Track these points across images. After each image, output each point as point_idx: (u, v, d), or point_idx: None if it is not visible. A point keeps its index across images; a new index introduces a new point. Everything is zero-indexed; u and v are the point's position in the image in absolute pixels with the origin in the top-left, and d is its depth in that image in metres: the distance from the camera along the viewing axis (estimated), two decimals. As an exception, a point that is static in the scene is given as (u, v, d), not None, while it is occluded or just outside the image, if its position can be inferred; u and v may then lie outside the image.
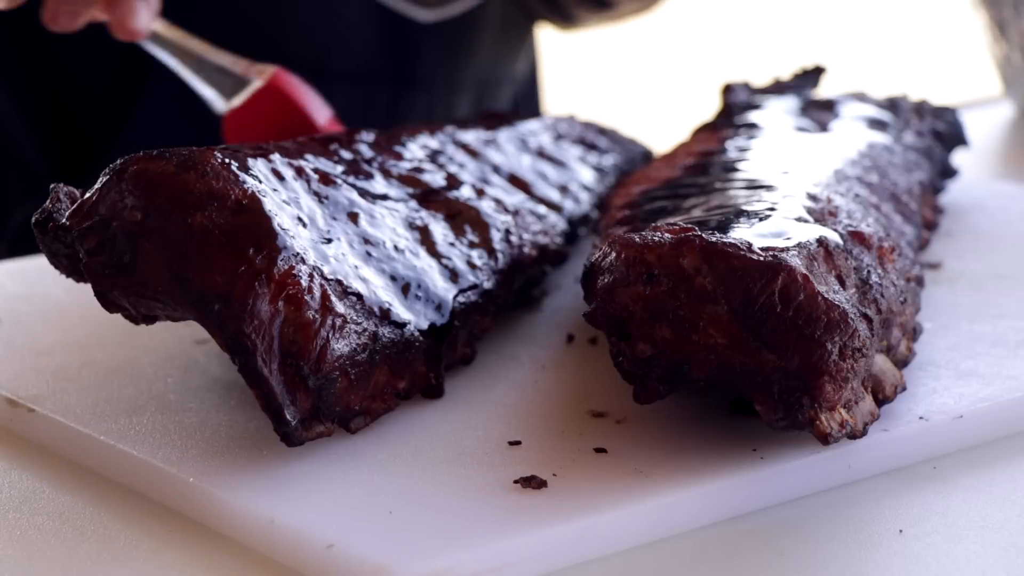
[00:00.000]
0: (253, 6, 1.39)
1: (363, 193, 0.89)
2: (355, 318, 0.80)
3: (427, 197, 0.94)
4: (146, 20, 1.05)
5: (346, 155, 0.92)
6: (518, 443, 0.81)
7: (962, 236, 1.13)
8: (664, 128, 1.46)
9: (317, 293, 0.79)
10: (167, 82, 1.27)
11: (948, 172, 1.19)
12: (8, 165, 1.41)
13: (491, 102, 1.52)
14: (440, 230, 0.91)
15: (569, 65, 3.52)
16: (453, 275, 0.89)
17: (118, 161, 0.80)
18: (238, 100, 1.08)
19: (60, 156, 1.41)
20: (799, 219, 0.85)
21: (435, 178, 0.96)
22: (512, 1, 1.51)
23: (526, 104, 1.59)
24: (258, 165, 0.83)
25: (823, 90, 1.21)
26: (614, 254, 0.80)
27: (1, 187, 1.42)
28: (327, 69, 1.39)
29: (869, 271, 0.83)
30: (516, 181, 1.03)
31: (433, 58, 1.45)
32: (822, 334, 0.76)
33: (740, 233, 0.80)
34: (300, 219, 0.83)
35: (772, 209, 0.86)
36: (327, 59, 1.41)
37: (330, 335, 0.79)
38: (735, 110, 1.16)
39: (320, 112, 1.10)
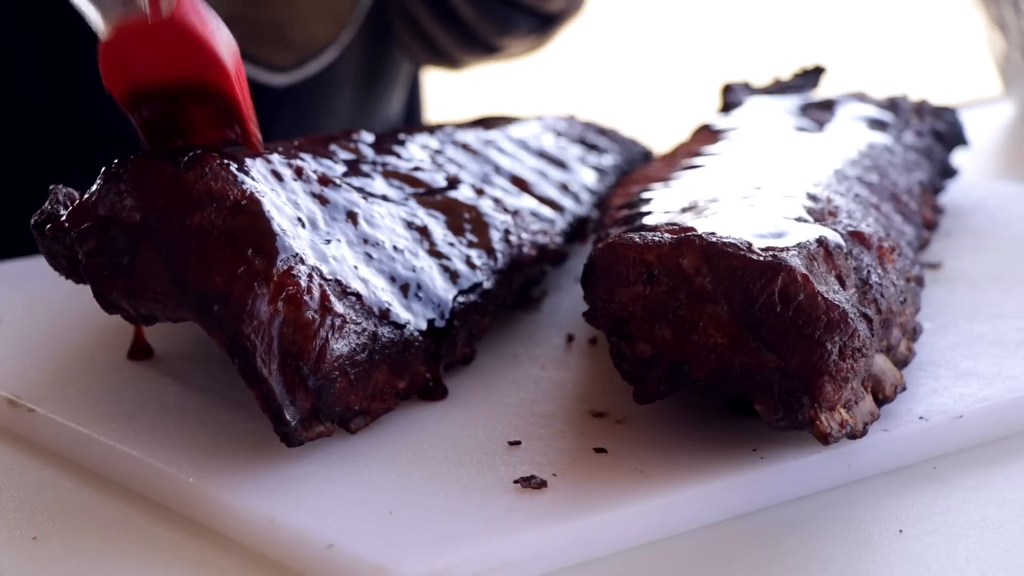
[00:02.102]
0: (84, 81, 1.30)
1: (363, 193, 0.89)
2: (354, 318, 0.80)
3: (426, 197, 0.94)
4: None
5: (345, 155, 0.92)
6: (518, 443, 0.81)
7: (962, 236, 1.13)
8: (664, 128, 1.46)
9: (316, 293, 0.79)
10: None
11: (948, 172, 1.19)
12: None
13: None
14: (440, 230, 0.91)
15: (569, 65, 3.52)
16: (453, 275, 0.89)
17: (116, 162, 0.80)
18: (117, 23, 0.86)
19: None
20: (799, 219, 0.85)
21: (435, 178, 0.96)
22: (401, 50, 1.47)
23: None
24: (257, 165, 0.83)
25: (823, 90, 1.21)
26: (614, 254, 0.80)
27: None
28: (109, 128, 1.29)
29: (869, 271, 0.83)
30: (516, 181, 1.03)
31: (288, 122, 1.38)
32: (822, 334, 0.76)
33: (740, 233, 0.80)
34: (299, 220, 0.83)
35: (772, 209, 0.86)
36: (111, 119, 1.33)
37: (329, 335, 0.79)
38: (735, 110, 1.16)
39: (225, 50, 0.87)
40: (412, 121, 1.54)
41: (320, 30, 1.36)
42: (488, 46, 1.42)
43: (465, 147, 1.03)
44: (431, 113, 1.62)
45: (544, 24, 1.43)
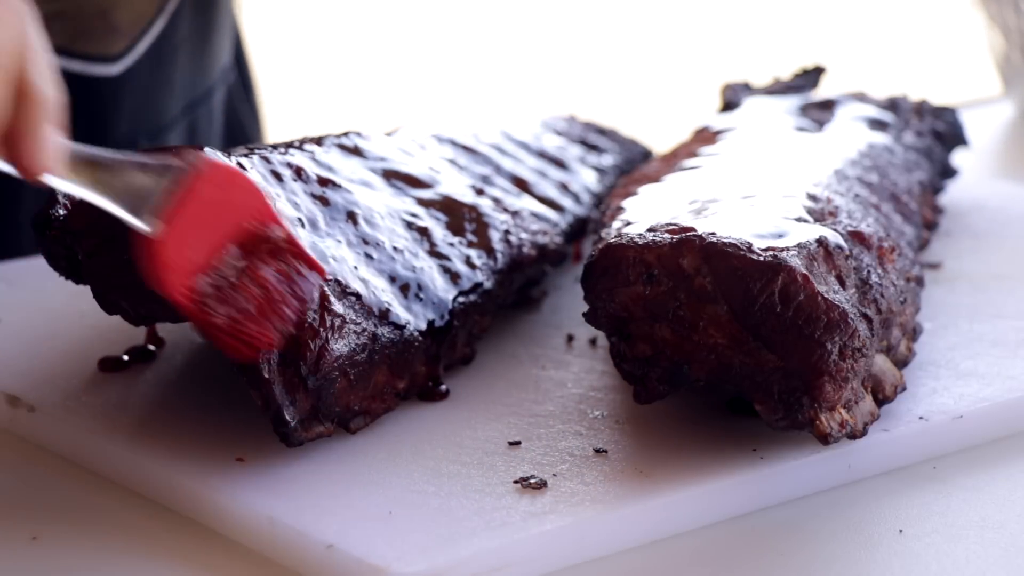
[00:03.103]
0: None
1: (363, 194, 0.89)
2: (354, 318, 0.80)
3: (426, 197, 0.94)
4: (55, 152, 0.76)
5: (346, 156, 0.92)
6: (518, 443, 0.81)
7: (962, 236, 1.13)
8: (664, 128, 1.46)
9: (316, 294, 0.79)
10: None
11: (948, 172, 1.19)
12: None
13: (207, 119, 1.38)
14: (439, 230, 0.91)
15: (569, 65, 3.52)
16: (453, 275, 0.89)
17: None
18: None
19: None
20: (799, 219, 0.85)
21: (435, 178, 0.96)
22: None
23: (242, 96, 1.46)
24: (257, 165, 0.83)
25: (823, 90, 1.21)
26: (614, 254, 0.80)
27: None
28: None
29: (869, 271, 0.83)
30: (516, 181, 1.03)
31: (131, 108, 1.30)
32: (822, 334, 0.76)
33: (740, 233, 0.80)
34: (299, 220, 0.83)
35: (772, 209, 0.86)
36: None
37: (329, 335, 0.79)
38: (735, 110, 1.16)
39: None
40: (243, 69, 1.48)
41: (144, 5, 1.29)
42: None
43: (465, 147, 1.03)
44: (264, 59, 1.52)
45: None
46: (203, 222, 0.77)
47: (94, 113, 1.27)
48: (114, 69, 1.28)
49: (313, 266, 0.79)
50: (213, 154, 0.81)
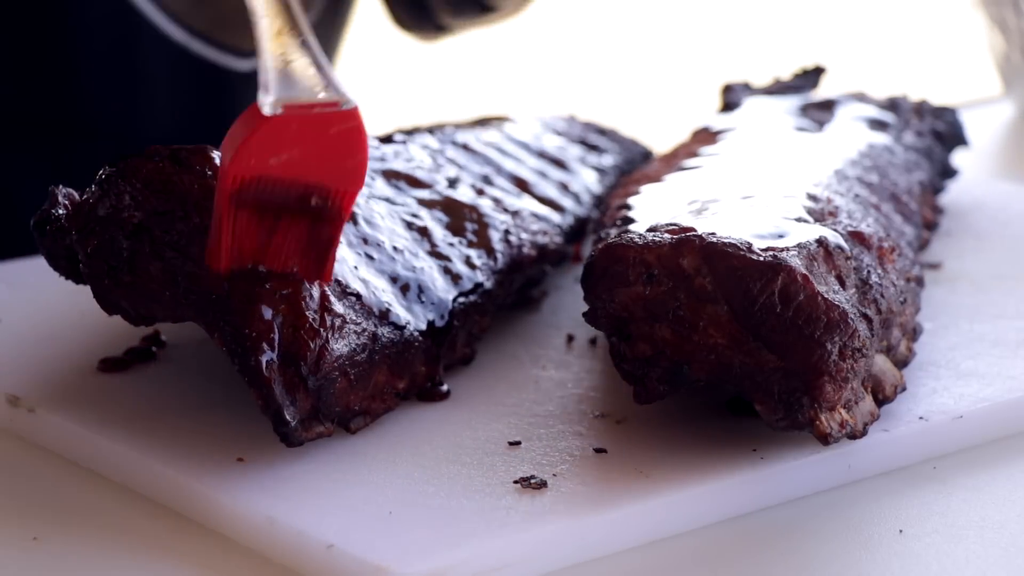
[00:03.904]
0: (40, 68, 1.28)
1: (363, 194, 0.89)
2: (354, 318, 0.80)
3: (427, 197, 0.94)
4: None
5: (346, 155, 0.92)
6: (518, 443, 0.81)
7: (962, 236, 1.13)
8: (664, 128, 1.46)
9: (316, 294, 0.79)
10: None
11: (948, 172, 1.19)
12: None
13: None
14: (440, 230, 0.91)
15: (569, 65, 3.52)
16: (453, 276, 0.89)
17: (116, 161, 0.80)
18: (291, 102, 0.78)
19: None
20: (799, 219, 0.85)
21: (435, 178, 0.96)
22: (392, 13, 1.45)
23: None
24: (258, 165, 0.83)
25: (823, 90, 1.21)
26: (614, 254, 0.80)
27: None
28: (136, 127, 1.30)
29: (869, 271, 0.83)
30: (516, 181, 1.03)
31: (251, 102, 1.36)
32: (822, 334, 0.76)
33: (740, 233, 0.80)
34: (300, 219, 0.83)
35: (772, 209, 0.86)
36: (136, 118, 1.31)
37: (329, 335, 0.79)
38: (735, 110, 1.16)
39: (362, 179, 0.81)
40: None
41: None
42: (483, 6, 1.39)
43: (465, 147, 1.03)
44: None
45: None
46: (305, 147, 0.77)
47: (216, 104, 1.31)
48: (244, 65, 1.31)
49: (324, 270, 0.79)
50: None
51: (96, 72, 1.28)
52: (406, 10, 1.43)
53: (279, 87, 0.76)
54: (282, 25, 0.77)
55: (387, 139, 0.98)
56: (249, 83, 1.28)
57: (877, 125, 1.12)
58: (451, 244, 0.91)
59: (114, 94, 1.30)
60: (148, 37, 1.27)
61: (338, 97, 0.77)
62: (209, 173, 0.80)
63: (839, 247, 0.82)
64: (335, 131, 0.77)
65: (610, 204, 1.00)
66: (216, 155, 0.81)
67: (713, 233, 0.79)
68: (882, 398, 0.82)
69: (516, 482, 0.77)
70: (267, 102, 0.76)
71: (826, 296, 0.77)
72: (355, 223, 0.86)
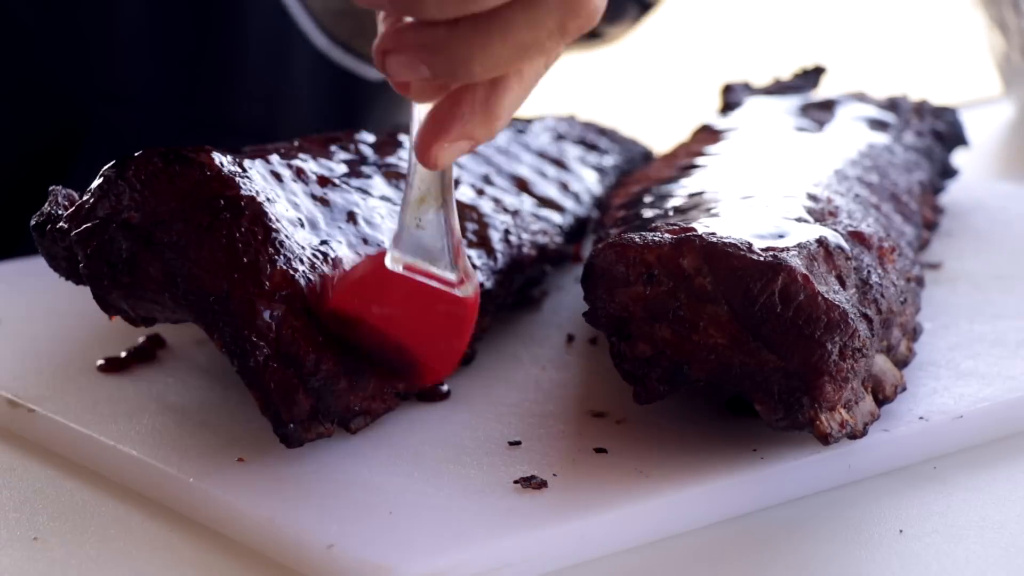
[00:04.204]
0: (201, 67, 1.35)
1: (363, 194, 0.89)
2: (355, 318, 0.80)
3: (427, 197, 0.94)
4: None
5: (345, 156, 0.92)
6: (518, 443, 0.81)
7: (962, 236, 1.13)
8: (664, 128, 1.46)
9: (316, 294, 0.79)
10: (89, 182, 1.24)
11: (948, 172, 1.19)
12: None
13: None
14: (440, 230, 0.91)
15: (569, 65, 3.51)
16: (453, 275, 0.89)
17: (116, 162, 0.80)
18: (422, 270, 0.78)
19: None
20: (799, 219, 0.85)
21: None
22: None
23: None
24: (256, 166, 0.83)
25: (823, 90, 1.21)
26: (614, 254, 0.80)
27: None
28: (275, 128, 1.35)
29: (869, 271, 0.83)
30: (516, 181, 1.03)
31: (377, 116, 1.42)
32: (822, 334, 0.76)
33: (740, 233, 0.80)
34: (299, 220, 0.83)
35: (772, 209, 0.86)
36: (277, 119, 1.38)
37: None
38: (735, 110, 1.16)
39: (450, 367, 0.81)
40: None
41: None
42: (592, 33, 1.46)
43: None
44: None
45: (644, 10, 1.47)
46: (410, 312, 0.78)
47: (349, 110, 1.38)
48: (375, 74, 1.36)
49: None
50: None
51: (248, 74, 1.35)
52: None
53: (407, 246, 0.77)
54: (427, 195, 0.77)
55: (388, 139, 0.98)
56: (378, 92, 1.38)
57: (877, 125, 1.12)
58: (451, 244, 0.91)
59: (262, 96, 1.36)
60: (298, 44, 1.34)
61: (458, 279, 0.77)
62: (209, 174, 0.80)
63: (839, 247, 0.82)
64: (443, 309, 0.78)
65: (610, 204, 1.00)
66: (217, 155, 0.81)
67: (713, 233, 0.79)
68: (882, 398, 0.82)
69: (516, 482, 0.77)
70: (392, 255, 0.78)
71: (826, 296, 0.77)
72: (355, 223, 0.86)
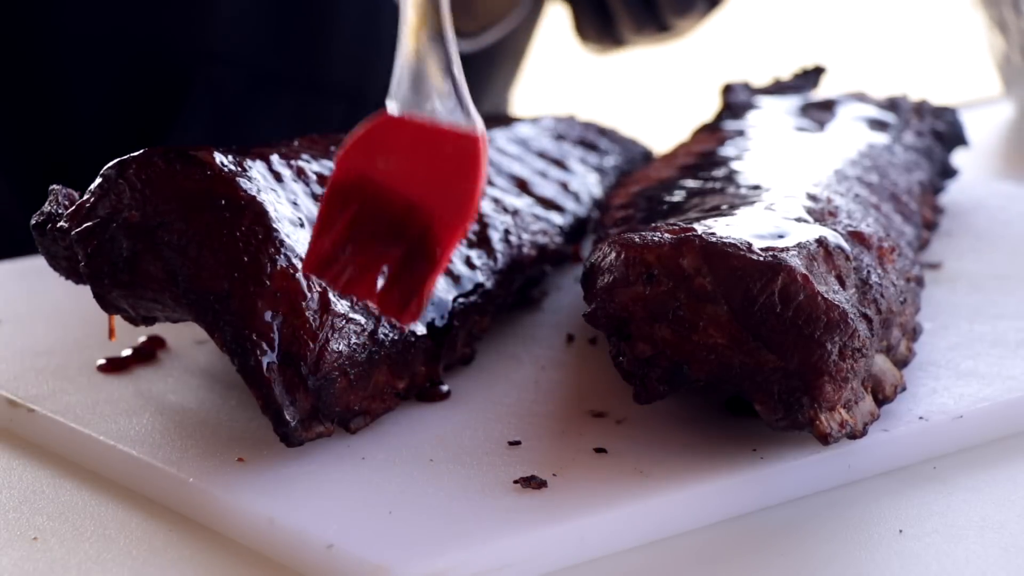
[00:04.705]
0: (297, 28, 1.40)
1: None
2: (354, 318, 0.80)
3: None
4: None
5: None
6: (518, 443, 0.81)
7: (962, 236, 1.13)
8: (664, 128, 1.46)
9: (316, 293, 0.79)
10: (189, 137, 1.29)
11: (948, 172, 1.19)
12: None
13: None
14: (440, 230, 0.91)
15: (569, 65, 3.51)
16: (453, 276, 0.89)
17: (116, 161, 0.80)
18: (429, 112, 0.75)
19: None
20: (799, 219, 0.85)
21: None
22: (578, 28, 1.54)
23: None
24: (257, 166, 0.83)
25: (823, 90, 1.21)
26: (614, 254, 0.80)
27: None
28: (363, 99, 1.40)
29: (869, 271, 0.83)
30: (516, 181, 1.03)
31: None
32: (822, 334, 0.76)
33: (740, 233, 0.80)
34: (299, 220, 0.83)
35: (772, 209, 0.86)
36: (363, 90, 1.42)
37: (329, 335, 0.79)
38: (735, 110, 1.16)
39: (471, 213, 0.75)
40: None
41: (500, 3, 1.45)
42: (662, 25, 1.49)
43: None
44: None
45: (713, 5, 1.51)
46: (417, 158, 0.74)
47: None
48: (461, 46, 1.40)
49: (406, 310, 0.74)
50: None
51: (342, 38, 1.40)
52: (591, 23, 1.53)
53: (409, 89, 0.74)
54: (423, 20, 0.74)
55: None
56: (466, 62, 1.41)
57: (877, 125, 1.12)
58: (451, 244, 0.91)
59: (353, 60, 1.41)
60: (389, 10, 1.38)
61: (463, 118, 0.74)
62: (209, 173, 0.80)
63: (839, 247, 0.82)
64: (451, 150, 0.74)
65: (610, 204, 1.00)
66: (218, 156, 0.81)
67: (713, 233, 0.79)
68: (882, 398, 0.82)
69: (516, 482, 0.77)
70: (393, 104, 0.74)
71: (826, 296, 0.77)
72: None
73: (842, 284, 0.80)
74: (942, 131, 1.19)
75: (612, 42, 1.55)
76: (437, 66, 0.74)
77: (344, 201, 0.74)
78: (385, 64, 1.42)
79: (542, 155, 1.10)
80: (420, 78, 0.74)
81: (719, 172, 0.98)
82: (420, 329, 0.85)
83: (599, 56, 1.62)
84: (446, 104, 0.74)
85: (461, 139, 0.74)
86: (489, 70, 1.50)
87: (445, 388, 0.87)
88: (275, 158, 0.86)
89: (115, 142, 1.33)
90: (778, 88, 1.20)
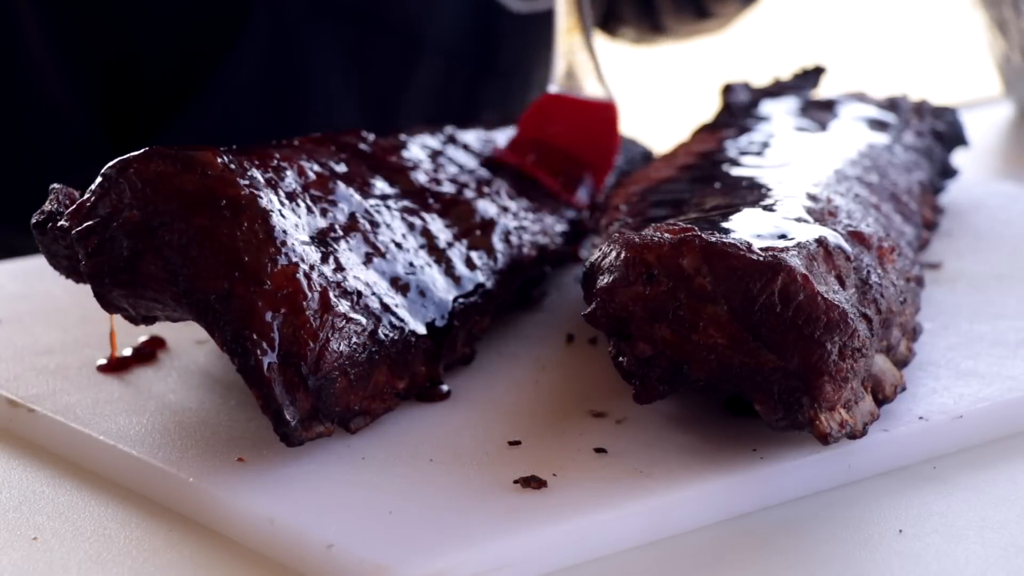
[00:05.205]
0: None
1: (363, 194, 0.89)
2: (354, 318, 0.80)
3: (427, 198, 0.94)
4: None
5: (347, 156, 0.92)
6: (518, 443, 0.81)
7: (962, 236, 1.13)
8: (664, 128, 1.46)
9: (316, 293, 0.79)
10: (250, 58, 1.31)
11: (948, 172, 1.19)
12: (58, 136, 1.41)
13: None
14: (440, 230, 0.91)
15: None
16: (453, 276, 0.89)
17: (117, 161, 0.80)
18: (582, 90, 1.08)
19: (115, 129, 1.40)
20: (799, 219, 0.85)
21: (435, 178, 0.96)
22: (612, 14, 1.55)
23: None
24: (257, 166, 0.83)
25: (823, 90, 1.21)
26: (614, 254, 0.80)
27: (51, 159, 1.41)
28: (419, 40, 1.43)
29: (869, 271, 0.83)
30: (516, 181, 1.03)
31: (515, 48, 1.48)
32: (822, 334, 0.76)
33: (740, 233, 0.80)
34: (300, 219, 0.83)
35: (772, 209, 0.86)
36: (420, 30, 1.43)
37: (329, 335, 0.79)
38: (735, 110, 1.16)
39: (613, 161, 1.09)
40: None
41: None
42: (701, 10, 1.51)
43: (466, 148, 1.03)
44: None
45: None
46: (572, 123, 1.07)
47: (489, 36, 1.48)
48: (519, 5, 1.46)
49: (573, 194, 1.05)
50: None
51: None
52: (631, 5, 1.55)
53: (564, 75, 1.06)
54: (573, 24, 1.06)
55: (389, 139, 0.98)
56: (516, 23, 1.49)
57: (877, 125, 1.12)
58: (451, 244, 0.91)
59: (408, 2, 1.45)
60: None
61: (603, 92, 1.07)
62: (210, 173, 0.80)
63: (839, 247, 0.82)
64: (596, 116, 1.07)
65: (610, 204, 1.00)
66: (218, 156, 0.81)
67: (713, 233, 0.78)
68: (882, 398, 0.82)
69: (516, 482, 0.77)
70: (554, 87, 1.07)
71: (826, 296, 0.77)
72: (355, 223, 0.86)
73: (842, 284, 0.80)
74: (942, 131, 1.19)
75: (650, 27, 1.56)
76: (583, 57, 1.07)
77: (522, 153, 1.04)
78: (437, 6, 1.45)
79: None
80: (572, 67, 1.06)
81: (719, 172, 0.98)
82: (420, 329, 0.85)
83: (633, 47, 1.62)
84: (590, 83, 1.07)
85: (602, 108, 1.08)
86: (548, 33, 1.53)
87: (445, 388, 0.87)
88: (275, 158, 0.86)
89: (175, 63, 1.38)
90: (778, 88, 1.20)
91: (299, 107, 1.42)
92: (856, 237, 0.85)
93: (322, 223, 0.84)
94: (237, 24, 1.36)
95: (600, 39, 1.63)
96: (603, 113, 1.07)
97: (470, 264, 0.91)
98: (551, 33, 1.55)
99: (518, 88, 1.50)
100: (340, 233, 0.85)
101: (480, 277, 0.91)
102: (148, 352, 0.92)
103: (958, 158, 1.24)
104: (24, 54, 1.36)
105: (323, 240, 0.83)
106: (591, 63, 1.08)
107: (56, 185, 0.84)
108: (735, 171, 0.97)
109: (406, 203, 0.92)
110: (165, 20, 1.37)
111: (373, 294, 0.83)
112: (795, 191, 0.90)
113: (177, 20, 1.37)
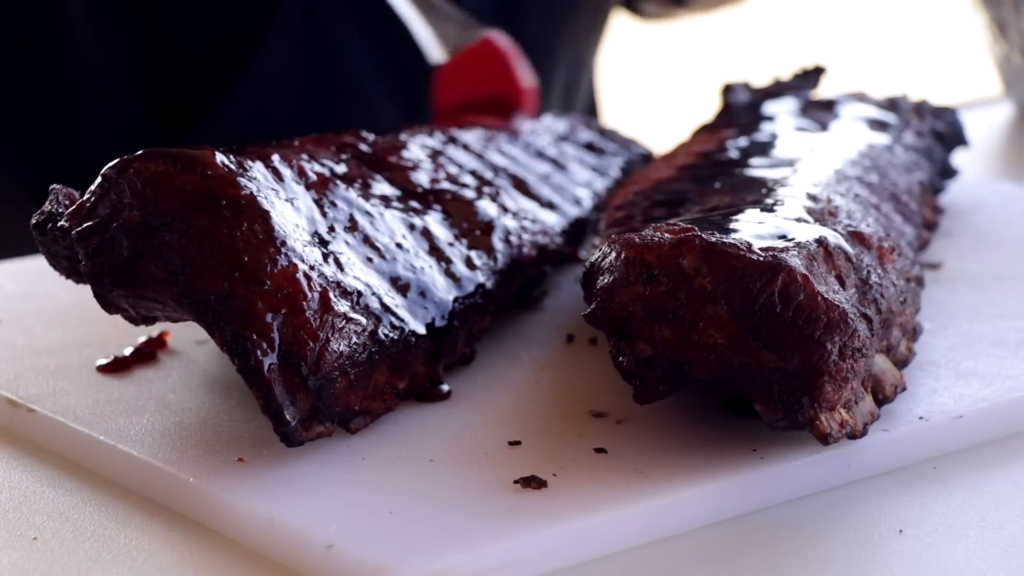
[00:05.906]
0: None
1: (363, 194, 0.89)
2: (354, 318, 0.80)
3: (427, 198, 0.94)
4: None
5: (347, 156, 0.92)
6: (518, 443, 0.81)
7: (962, 236, 1.13)
8: (664, 128, 1.46)
9: (316, 293, 0.79)
10: (285, 41, 1.34)
11: (948, 172, 1.19)
12: (102, 119, 1.41)
13: (575, 88, 1.58)
14: (440, 231, 0.91)
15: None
16: (453, 276, 0.89)
17: (117, 161, 0.80)
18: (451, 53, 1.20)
19: (160, 112, 1.42)
20: (799, 219, 0.85)
21: (435, 178, 0.96)
22: None
23: (589, 103, 1.62)
24: (258, 165, 0.83)
25: (823, 90, 1.21)
26: (614, 254, 0.80)
27: (96, 140, 1.42)
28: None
29: (869, 271, 0.83)
30: (516, 181, 1.03)
31: (536, 26, 1.51)
32: (822, 334, 0.76)
33: (740, 233, 0.80)
34: (300, 220, 0.83)
35: (772, 209, 0.86)
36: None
37: (329, 335, 0.79)
38: (735, 110, 1.16)
39: (525, 78, 1.20)
40: (593, 98, 1.63)
41: None
42: None
43: (466, 147, 1.03)
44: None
45: None
46: (473, 73, 1.18)
47: (508, 13, 1.51)
48: None
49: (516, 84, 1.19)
50: (499, 38, 1.21)
51: None
52: None
53: (438, 43, 1.18)
54: None
55: (389, 139, 0.98)
56: (535, 1, 1.52)
57: (877, 125, 1.12)
58: (451, 244, 0.91)
59: None
60: None
61: (471, 36, 1.17)
62: (210, 173, 0.80)
63: (839, 247, 0.82)
64: (483, 54, 1.18)
65: (609, 204, 1.00)
66: (218, 155, 0.81)
67: (713, 233, 0.78)
68: (882, 398, 0.82)
69: (516, 482, 0.77)
70: (434, 58, 1.18)
71: (826, 296, 0.77)
72: (355, 223, 0.86)
73: (842, 284, 0.80)
74: (942, 131, 1.19)
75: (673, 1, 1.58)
76: (433, 17, 1.16)
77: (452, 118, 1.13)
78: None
79: (542, 155, 1.10)
80: (439, 30, 1.17)
81: (719, 172, 0.98)
82: (420, 329, 0.85)
83: (655, 23, 1.64)
84: (462, 36, 1.18)
85: (479, 46, 1.19)
86: (571, 12, 1.54)
87: (445, 388, 0.87)
88: (275, 158, 0.86)
89: (210, 50, 1.40)
90: (778, 88, 1.21)
91: (335, 91, 1.45)
92: (856, 237, 0.85)
93: (322, 223, 0.84)
94: (269, 10, 1.40)
95: (623, 17, 1.65)
96: (485, 51, 1.19)
97: (470, 264, 0.91)
98: (568, 12, 1.57)
99: (540, 68, 1.51)
100: (340, 233, 0.85)
101: (480, 277, 0.91)
102: (148, 352, 0.92)
103: (958, 158, 1.24)
104: (75, 45, 1.39)
105: (323, 240, 0.83)
106: (445, 19, 1.20)
107: (56, 185, 0.84)
108: (735, 171, 0.97)
109: (406, 203, 0.92)
110: (203, 3, 1.39)
111: (373, 294, 0.83)
112: (795, 191, 0.90)
113: (212, 5, 1.39)
